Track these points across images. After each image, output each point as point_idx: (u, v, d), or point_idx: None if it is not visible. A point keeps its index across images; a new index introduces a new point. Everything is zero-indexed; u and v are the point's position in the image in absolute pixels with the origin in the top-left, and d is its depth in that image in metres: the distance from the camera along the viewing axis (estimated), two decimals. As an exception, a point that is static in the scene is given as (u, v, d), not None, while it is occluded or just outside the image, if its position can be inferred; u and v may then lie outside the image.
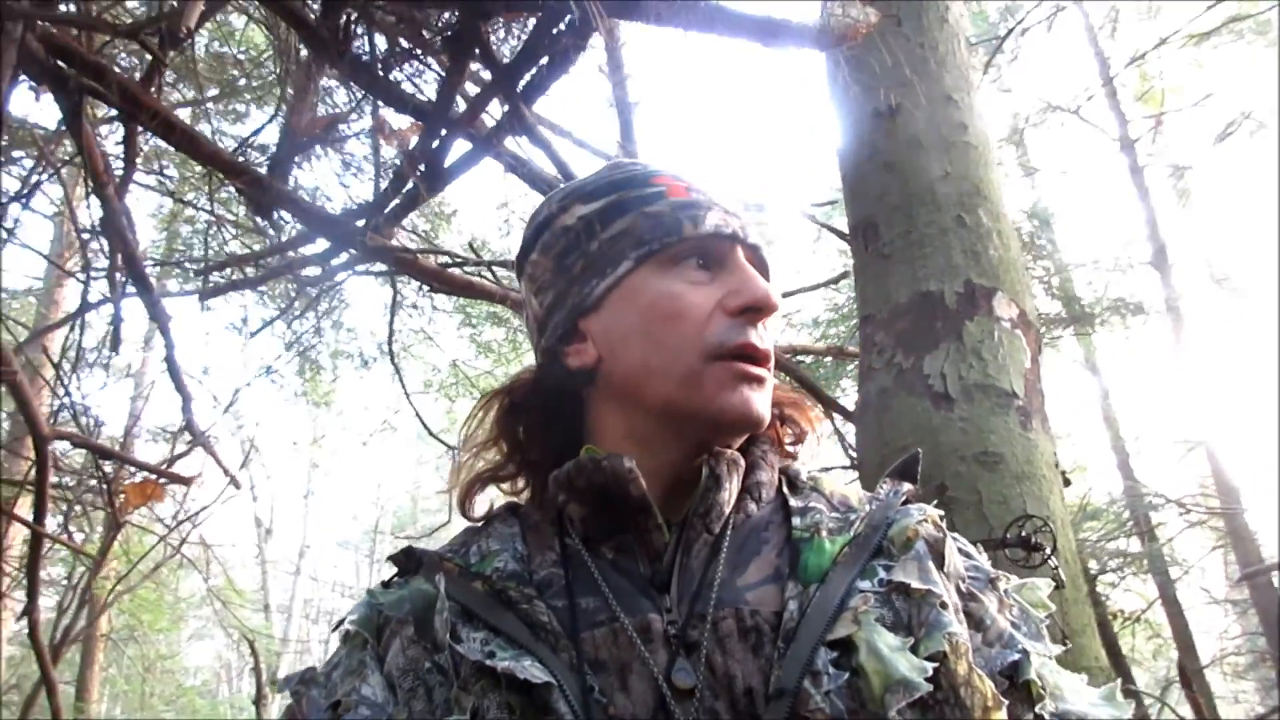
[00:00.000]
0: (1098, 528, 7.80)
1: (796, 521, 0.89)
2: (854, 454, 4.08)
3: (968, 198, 2.90)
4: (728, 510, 0.89)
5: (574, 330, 0.96)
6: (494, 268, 3.03)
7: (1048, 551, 2.20)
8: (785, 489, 0.95)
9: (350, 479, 25.95)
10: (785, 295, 6.31)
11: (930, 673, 0.73)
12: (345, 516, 25.30)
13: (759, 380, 0.89)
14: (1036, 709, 0.81)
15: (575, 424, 0.99)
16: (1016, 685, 0.81)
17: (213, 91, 3.76)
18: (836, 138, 3.30)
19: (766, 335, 0.91)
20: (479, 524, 0.99)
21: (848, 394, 7.03)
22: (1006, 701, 0.76)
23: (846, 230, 3.30)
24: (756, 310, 0.90)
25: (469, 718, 0.75)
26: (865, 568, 0.83)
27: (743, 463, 0.92)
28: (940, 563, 0.85)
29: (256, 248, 3.55)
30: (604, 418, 0.96)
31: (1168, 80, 9.92)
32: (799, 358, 5.14)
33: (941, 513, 0.94)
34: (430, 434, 4.14)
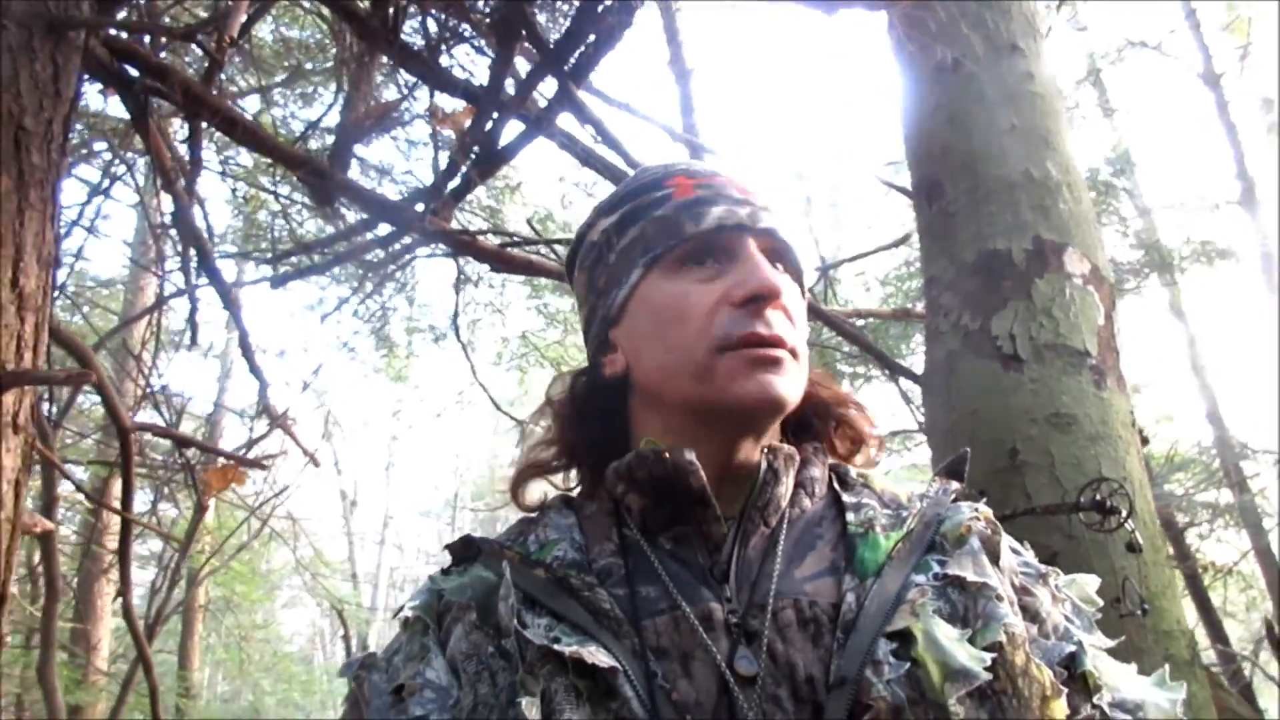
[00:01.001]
0: (1186, 479, 7.57)
1: (851, 517, 0.90)
2: (922, 419, 4.02)
3: (1035, 150, 2.81)
4: (784, 504, 0.91)
5: (606, 341, 1.00)
6: (554, 245, 3.05)
7: (1124, 514, 2.15)
8: (836, 485, 0.96)
9: (429, 450, 26.49)
10: (854, 259, 6.23)
11: (989, 662, 0.74)
12: (426, 487, 25.89)
13: (773, 361, 0.88)
14: (1094, 699, 0.81)
15: (622, 424, 1.01)
16: (1074, 676, 0.81)
17: (279, 77, 3.83)
18: (899, 95, 3.23)
19: (780, 320, 0.90)
20: (533, 515, 1.01)
21: (917, 356, 6.92)
22: (1065, 690, 0.77)
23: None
24: (759, 299, 0.89)
25: (539, 700, 0.76)
26: (920, 562, 0.84)
27: (798, 457, 0.93)
28: (995, 558, 0.86)
29: (328, 230, 3.63)
30: (643, 419, 0.98)
31: (1255, 7, 9.45)
32: (862, 320, 5.06)
33: (991, 511, 0.94)
34: (498, 408, 4.20)
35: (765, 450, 0.90)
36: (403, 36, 1.97)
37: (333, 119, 3.38)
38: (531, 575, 0.88)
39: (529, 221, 3.82)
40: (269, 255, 3.37)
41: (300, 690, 13.41)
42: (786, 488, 0.91)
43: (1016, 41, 2.99)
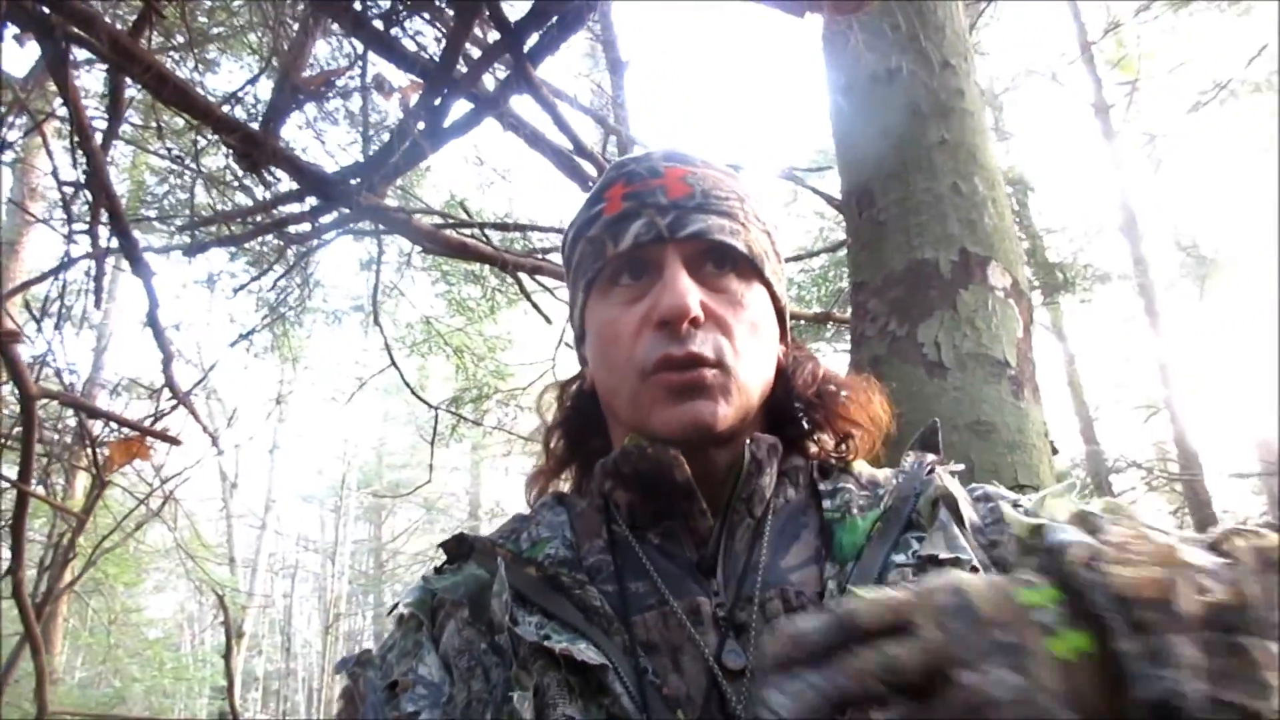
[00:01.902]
0: (1060, 492, 7.94)
1: (826, 504, 0.91)
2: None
3: (964, 165, 2.89)
4: (769, 495, 0.92)
5: (581, 355, 1.04)
6: (487, 229, 3.00)
7: (1041, 521, 2.23)
8: (815, 473, 0.97)
9: (316, 434, 25.82)
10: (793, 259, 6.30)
11: None
12: (310, 471, 25.21)
13: (691, 386, 0.87)
14: None
15: (605, 430, 1.03)
16: None
17: (204, 44, 3.65)
18: (830, 103, 3.28)
19: (704, 336, 0.88)
20: (527, 512, 1.02)
21: (839, 359, 7.07)
22: None
23: (839, 196, 3.30)
24: (667, 323, 0.88)
25: (531, 695, 0.76)
26: (898, 541, 0.85)
27: (781, 447, 0.93)
28: (961, 521, 0.87)
29: (239, 204, 3.49)
30: (614, 430, 1.00)
31: (1144, 47, 9.96)
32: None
33: (953, 467, 0.96)
34: (414, 393, 4.12)
35: (749, 441, 0.90)
36: (355, 4, 1.90)
37: (252, 89, 3.26)
38: (523, 573, 0.88)
39: (462, 204, 3.75)
40: (184, 221, 3.22)
41: (171, 677, 12.89)
42: (770, 478, 0.91)
43: (949, 59, 3.07)
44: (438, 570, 0.96)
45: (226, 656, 6.53)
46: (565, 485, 1.06)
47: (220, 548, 17.55)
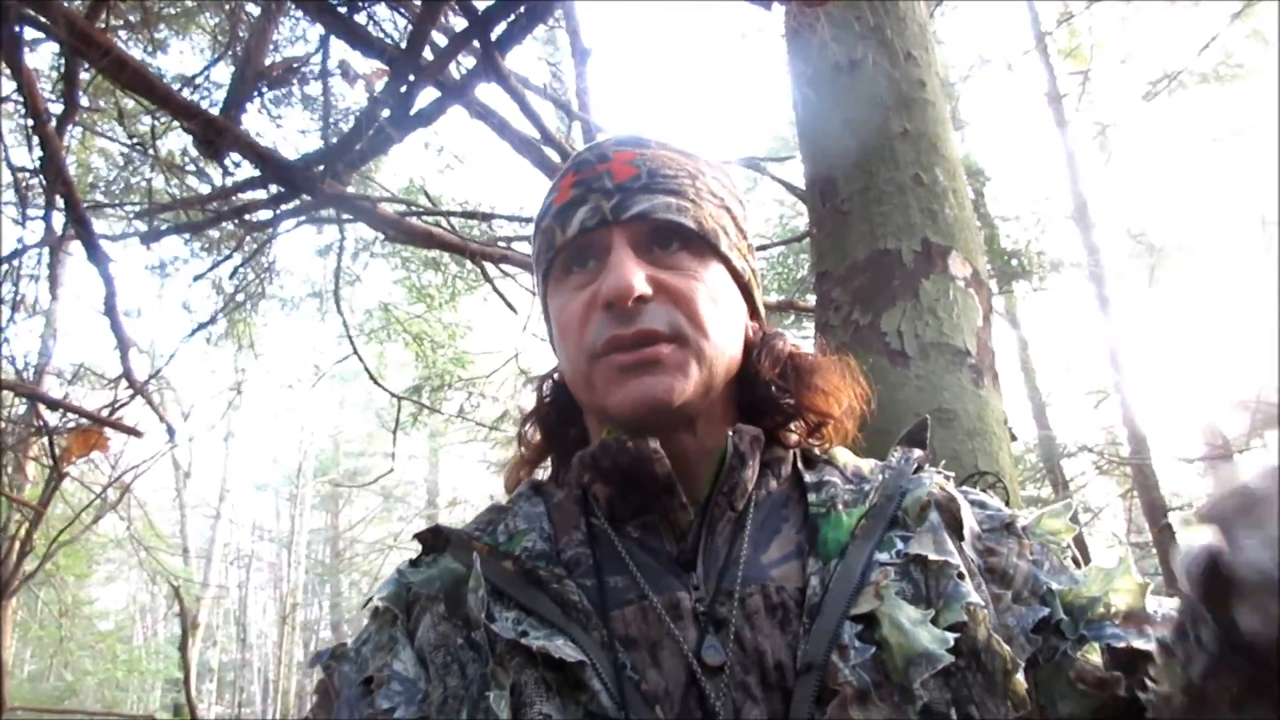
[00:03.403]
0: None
1: (812, 497, 0.90)
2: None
3: (925, 156, 2.92)
4: (750, 487, 0.90)
5: (552, 347, 1.02)
6: (451, 217, 2.98)
7: (1001, 506, 2.27)
8: (800, 464, 0.96)
9: (271, 422, 25.50)
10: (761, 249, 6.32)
11: (951, 643, 0.75)
12: (266, 460, 24.90)
13: (643, 363, 0.87)
14: (1071, 640, 0.82)
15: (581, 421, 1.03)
16: (1050, 627, 0.82)
17: (154, 24, 3.56)
18: (794, 94, 3.30)
19: (654, 311, 0.88)
20: (504, 503, 1.00)
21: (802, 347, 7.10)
22: (1023, 664, 0.78)
23: (800, 185, 3.32)
24: (611, 305, 0.88)
25: (508, 693, 0.76)
26: (883, 539, 0.84)
27: (764, 439, 0.92)
28: (957, 528, 0.87)
29: (195, 191, 3.43)
30: (587, 416, 1.00)
31: (1095, 37, 10.10)
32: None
33: (951, 474, 0.96)
34: (373, 379, 4.08)
35: (731, 433, 0.89)
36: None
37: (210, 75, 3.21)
38: (500, 567, 0.87)
39: (424, 191, 3.71)
40: (141, 208, 3.16)
41: (124, 669, 12.70)
42: (753, 470, 0.91)
43: (911, 50, 3.09)
44: (413, 563, 0.94)
45: (183, 648, 6.45)
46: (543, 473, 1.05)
47: (174, 538, 17.30)
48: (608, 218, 0.91)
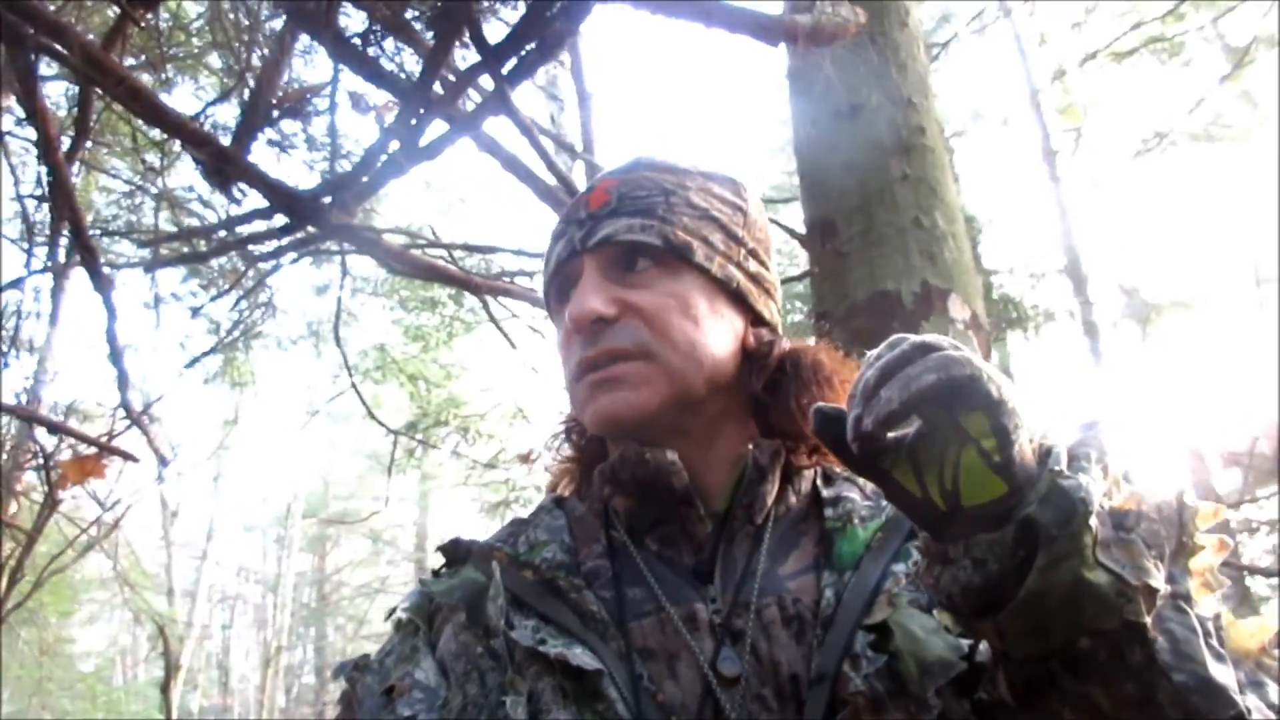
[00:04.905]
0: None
1: (828, 512, 0.90)
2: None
3: (925, 199, 2.96)
4: (770, 501, 0.91)
5: None
6: (454, 250, 3.00)
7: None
8: (819, 481, 0.96)
9: (261, 462, 25.33)
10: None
11: (966, 650, 0.75)
12: (254, 500, 24.67)
13: (606, 381, 0.89)
14: None
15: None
16: None
17: (163, 65, 3.61)
18: (796, 136, 3.34)
19: (618, 331, 0.90)
20: (525, 516, 1.01)
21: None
22: None
23: (796, 228, 3.35)
24: (576, 330, 0.92)
25: (525, 700, 0.76)
26: (899, 551, 0.85)
27: (784, 453, 0.93)
28: None
29: (197, 223, 3.45)
30: None
31: (1089, 95, 10.27)
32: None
33: None
34: (371, 415, 4.08)
35: (752, 446, 0.91)
36: (338, 22, 1.91)
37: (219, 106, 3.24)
38: (520, 577, 0.88)
39: (430, 228, 3.75)
40: (147, 237, 3.17)
41: (104, 710, 12.47)
42: (773, 485, 0.91)
43: (911, 97, 3.14)
44: (435, 574, 0.96)
45: (165, 688, 6.34)
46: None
47: (158, 577, 17.10)
48: (577, 247, 0.94)
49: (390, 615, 0.93)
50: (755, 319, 1.01)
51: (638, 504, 0.91)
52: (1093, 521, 0.62)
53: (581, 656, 0.78)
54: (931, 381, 0.62)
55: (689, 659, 0.80)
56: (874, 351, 0.68)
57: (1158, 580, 0.63)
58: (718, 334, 0.94)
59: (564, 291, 0.96)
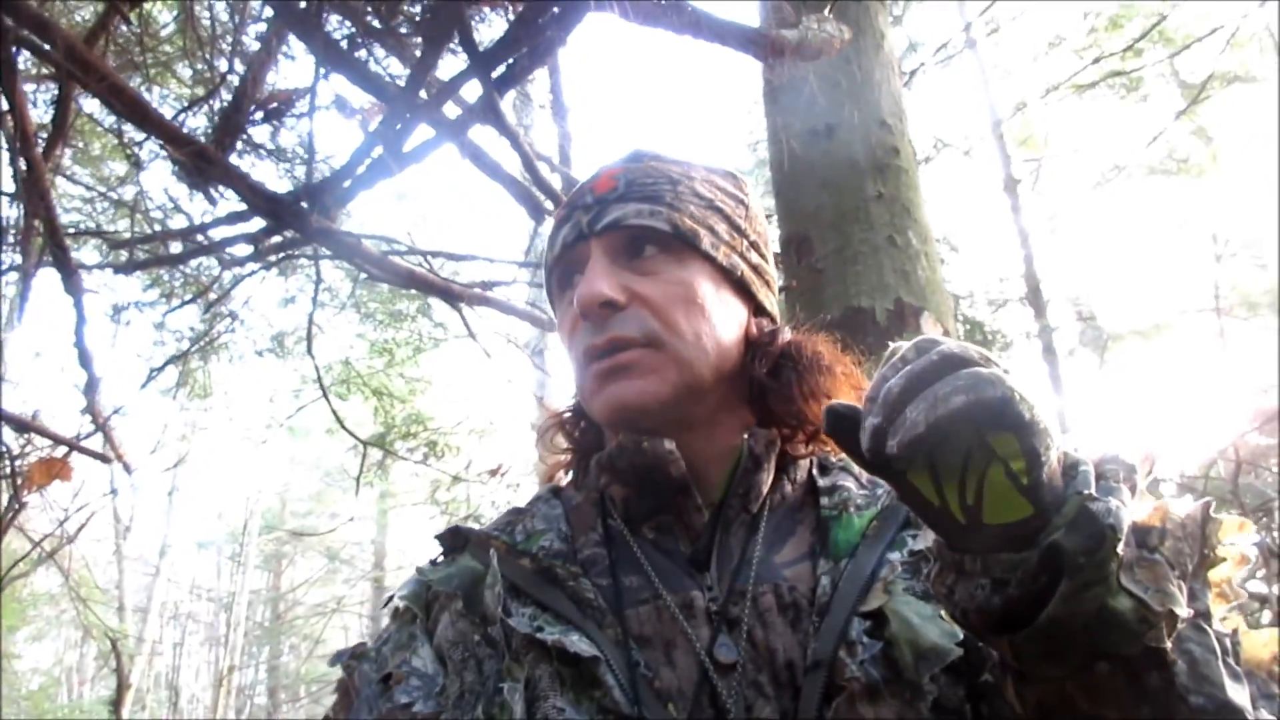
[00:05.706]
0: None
1: (824, 501, 0.91)
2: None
3: (899, 219, 3.01)
4: (765, 490, 0.92)
5: None
6: (428, 257, 2.99)
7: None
8: (815, 470, 0.97)
9: (218, 477, 24.87)
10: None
11: (961, 638, 0.75)
12: (209, 516, 24.20)
13: (614, 369, 0.89)
14: None
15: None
16: None
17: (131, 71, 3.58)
18: (772, 153, 3.39)
19: (624, 319, 0.90)
20: (522, 505, 1.02)
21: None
22: None
23: (777, 244, 3.39)
24: (583, 316, 0.91)
25: (522, 686, 0.77)
26: (895, 539, 0.86)
27: (779, 442, 0.94)
28: None
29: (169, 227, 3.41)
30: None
31: (1049, 127, 10.48)
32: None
33: None
34: (341, 425, 4.05)
35: (747, 435, 0.92)
36: (326, 25, 1.91)
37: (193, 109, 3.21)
38: (517, 565, 0.88)
39: (409, 234, 3.74)
40: (121, 239, 3.13)
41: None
42: (768, 474, 0.92)
43: (885, 118, 3.20)
44: (433, 562, 0.96)
45: (116, 705, 6.19)
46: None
47: (110, 592, 16.73)
48: (584, 231, 0.94)
49: (388, 603, 0.93)
50: (757, 309, 1.02)
51: (635, 493, 0.91)
52: (1120, 548, 0.61)
53: (579, 643, 0.78)
54: (961, 404, 0.59)
55: (685, 646, 0.81)
56: (898, 350, 0.65)
57: (1181, 606, 0.62)
58: (723, 322, 0.95)
59: (568, 277, 0.96)
